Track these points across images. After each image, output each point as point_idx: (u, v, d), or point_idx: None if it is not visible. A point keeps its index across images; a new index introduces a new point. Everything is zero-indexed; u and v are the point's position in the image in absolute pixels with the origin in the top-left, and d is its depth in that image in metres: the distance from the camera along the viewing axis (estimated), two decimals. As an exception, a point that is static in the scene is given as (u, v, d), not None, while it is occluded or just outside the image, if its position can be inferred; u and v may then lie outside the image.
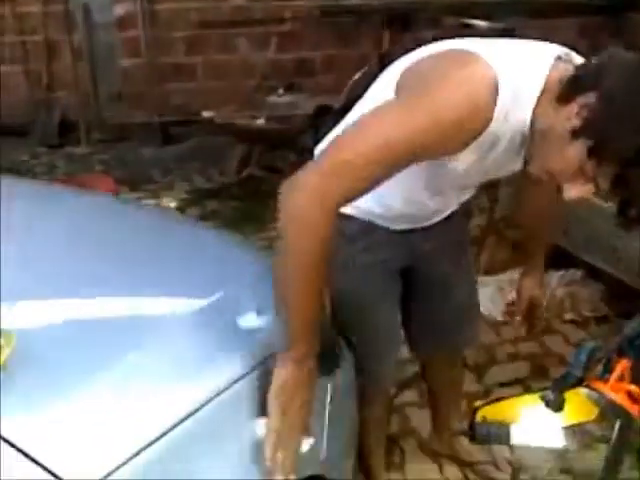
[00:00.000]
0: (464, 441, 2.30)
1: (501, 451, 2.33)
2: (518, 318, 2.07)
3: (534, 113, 1.23)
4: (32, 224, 1.62)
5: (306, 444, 1.25)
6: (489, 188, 3.69)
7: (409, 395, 2.65)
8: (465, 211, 1.88)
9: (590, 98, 1.12)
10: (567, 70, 1.20)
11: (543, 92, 1.22)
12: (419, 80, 1.29)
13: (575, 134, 1.13)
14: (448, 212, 1.77)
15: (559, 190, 1.23)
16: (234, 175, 4.73)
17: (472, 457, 2.32)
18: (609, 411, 1.27)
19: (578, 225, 2.99)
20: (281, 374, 1.23)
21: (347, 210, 1.56)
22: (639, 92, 1.10)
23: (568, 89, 1.17)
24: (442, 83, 1.22)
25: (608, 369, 1.26)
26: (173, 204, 4.42)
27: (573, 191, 1.20)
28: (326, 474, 1.41)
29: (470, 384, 2.66)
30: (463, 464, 2.32)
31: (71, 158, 5.38)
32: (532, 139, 1.26)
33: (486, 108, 1.21)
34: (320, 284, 1.23)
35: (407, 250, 1.78)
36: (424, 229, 1.75)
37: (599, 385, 1.25)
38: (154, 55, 5.68)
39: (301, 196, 1.19)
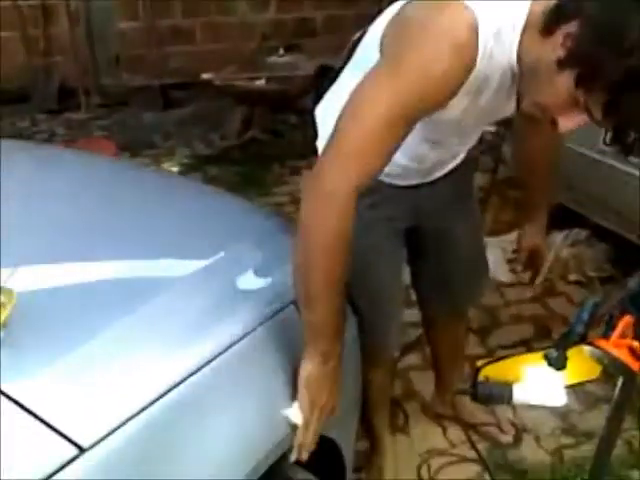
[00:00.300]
0: (467, 402, 2.31)
1: (504, 412, 2.34)
2: (520, 268, 2.09)
3: (520, 48, 1.22)
4: (35, 184, 1.61)
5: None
6: (492, 149, 3.65)
7: (412, 358, 2.65)
8: (470, 165, 1.88)
9: (573, 27, 1.10)
10: (548, 2, 1.17)
11: (526, 26, 1.20)
12: (401, 34, 1.28)
13: (561, 64, 1.12)
14: (451, 165, 1.77)
15: (554, 128, 1.22)
16: (235, 139, 4.68)
17: (475, 418, 2.33)
18: (612, 368, 1.25)
19: (582, 183, 2.95)
20: (307, 367, 1.28)
21: None
22: (619, 15, 1.07)
23: (550, 20, 1.15)
24: (422, 35, 1.22)
25: (611, 326, 1.25)
26: (175, 169, 4.40)
27: (567, 123, 1.19)
28: (328, 434, 1.40)
29: (473, 346, 2.66)
30: (466, 425, 2.33)
31: (71, 124, 5.34)
32: (521, 75, 1.25)
33: (470, 50, 1.21)
34: (343, 272, 1.26)
35: (412, 207, 1.79)
36: (429, 184, 1.76)
37: (601, 342, 1.24)
38: (152, 18, 5.60)
39: (324, 188, 1.23)
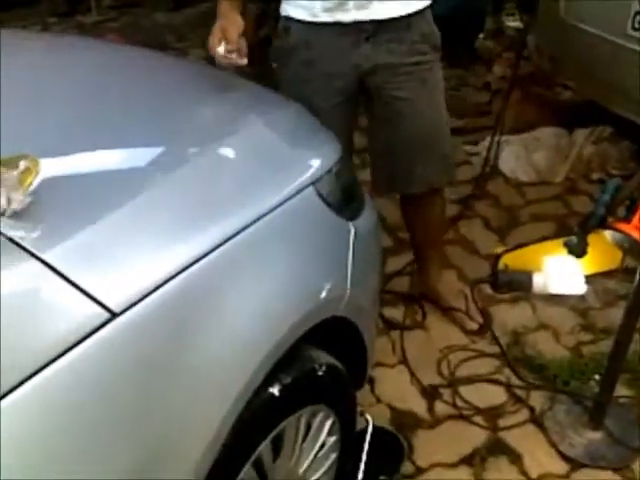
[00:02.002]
0: (441, 287, 2.34)
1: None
2: None
3: None
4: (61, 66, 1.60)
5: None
6: (514, 44, 3.53)
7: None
8: (424, 27, 1.90)
9: None
10: None
11: None
12: None
13: None
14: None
15: None
16: (250, 38, 4.55)
17: (447, 303, 2.34)
18: (632, 252, 1.24)
19: (606, 72, 2.83)
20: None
21: (287, 11, 1.87)
22: None
23: None
24: None
25: (632, 210, 1.22)
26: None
27: None
28: (349, 316, 1.42)
29: (492, 245, 2.63)
30: (443, 310, 2.35)
31: (82, 27, 5.23)
32: None
33: None
34: None
35: (352, 65, 1.86)
36: (369, 42, 1.83)
37: (622, 225, 1.22)
38: None
39: None
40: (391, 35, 1.85)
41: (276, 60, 1.99)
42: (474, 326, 2.29)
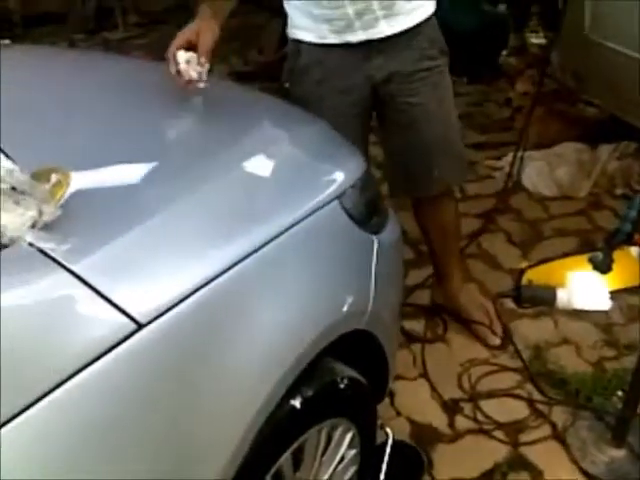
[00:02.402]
0: (463, 298, 2.34)
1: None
2: None
3: None
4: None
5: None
6: (538, 61, 3.53)
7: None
8: (429, 32, 1.93)
9: None
10: None
11: None
12: None
13: None
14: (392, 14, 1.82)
15: None
16: (273, 54, 4.59)
17: (468, 315, 2.33)
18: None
19: (630, 87, 2.81)
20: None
21: (296, 35, 1.89)
22: None
23: None
24: None
25: (660, 226, 1.22)
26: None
27: None
28: (371, 329, 1.42)
29: (515, 260, 2.63)
30: (462, 322, 2.34)
31: (108, 43, 5.30)
32: None
33: None
34: None
35: (365, 77, 1.88)
36: (381, 54, 1.85)
37: (650, 241, 1.21)
38: None
39: None
40: (401, 44, 1.87)
41: (288, 80, 2.00)
42: (497, 341, 2.28)
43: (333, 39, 1.84)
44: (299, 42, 1.91)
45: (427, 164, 2.04)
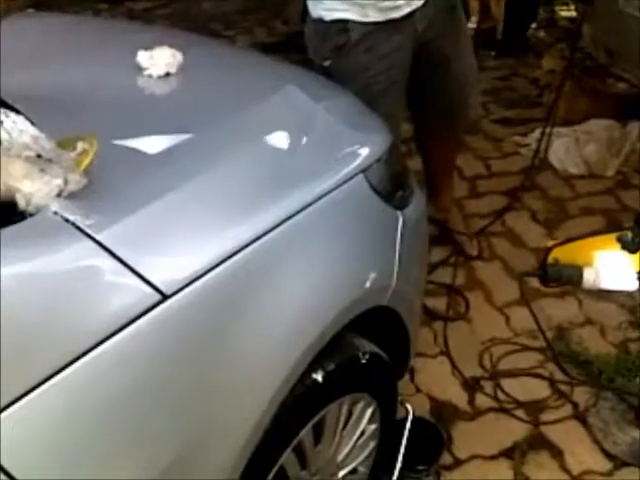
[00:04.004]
0: (452, 214, 2.61)
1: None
2: None
3: None
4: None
5: None
6: (568, 36, 3.46)
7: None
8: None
9: None
10: None
11: None
12: None
13: None
14: None
15: None
16: (298, 24, 4.55)
17: (458, 227, 2.61)
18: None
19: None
20: None
21: (335, 15, 1.93)
22: None
23: None
24: None
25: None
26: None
27: None
28: (394, 306, 1.42)
29: (540, 238, 2.60)
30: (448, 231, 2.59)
31: (132, 13, 5.29)
32: None
33: None
34: None
35: (409, 31, 2.00)
36: (421, 12, 1.98)
37: (682, 222, 1.19)
38: None
39: None
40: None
41: (330, 58, 2.00)
42: (474, 252, 2.57)
43: (377, 17, 1.93)
44: (342, 22, 1.95)
45: (463, 93, 2.29)
